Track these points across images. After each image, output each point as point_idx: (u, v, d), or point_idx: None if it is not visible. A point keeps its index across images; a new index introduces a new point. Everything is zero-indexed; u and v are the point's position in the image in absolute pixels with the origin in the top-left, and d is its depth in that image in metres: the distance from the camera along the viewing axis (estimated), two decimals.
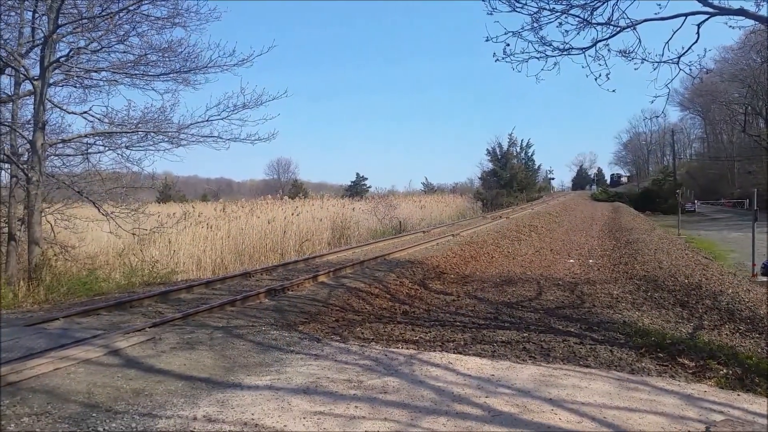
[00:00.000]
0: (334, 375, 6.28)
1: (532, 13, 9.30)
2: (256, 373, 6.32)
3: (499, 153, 59.29)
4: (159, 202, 45.66)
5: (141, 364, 6.57)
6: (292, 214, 25.77)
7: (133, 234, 15.18)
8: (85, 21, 12.65)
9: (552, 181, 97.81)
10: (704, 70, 10.18)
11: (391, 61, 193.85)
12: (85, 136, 14.27)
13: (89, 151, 14.70)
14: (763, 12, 8.76)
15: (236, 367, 6.57)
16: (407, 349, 7.84)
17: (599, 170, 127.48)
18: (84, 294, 12.04)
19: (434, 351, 7.76)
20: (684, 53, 9.30)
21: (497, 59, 9.64)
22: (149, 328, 8.28)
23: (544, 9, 9.24)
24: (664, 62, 9.44)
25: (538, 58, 9.68)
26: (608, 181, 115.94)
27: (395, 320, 10.17)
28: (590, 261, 19.91)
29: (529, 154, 63.92)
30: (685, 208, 53.21)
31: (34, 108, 12.68)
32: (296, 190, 68.31)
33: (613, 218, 41.57)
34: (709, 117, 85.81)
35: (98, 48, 13.50)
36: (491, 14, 9.28)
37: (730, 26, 9.15)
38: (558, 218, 39.33)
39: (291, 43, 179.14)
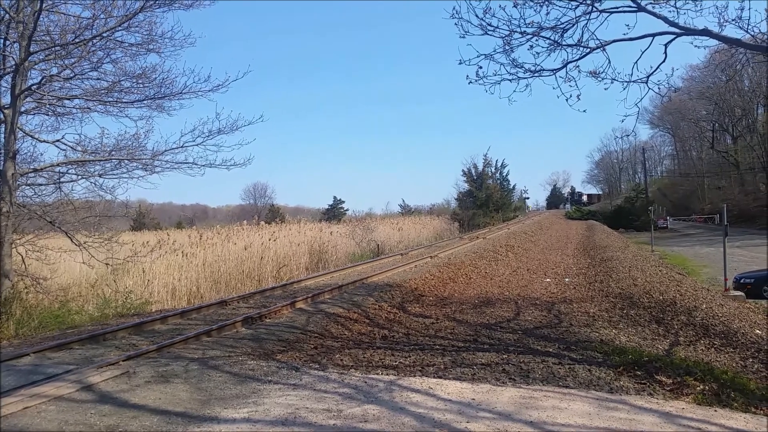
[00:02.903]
0: (313, 405, 6.20)
1: (503, 36, 9.46)
2: (233, 406, 6.21)
3: (474, 173, 59.85)
4: (133, 231, 45.06)
5: (115, 399, 6.42)
6: (269, 240, 25.60)
7: (107, 264, 14.91)
8: (57, 48, 12.54)
9: (527, 200, 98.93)
10: (672, 88, 10.44)
11: (366, 81, 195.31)
12: (58, 165, 14.06)
13: (62, 180, 14.46)
14: (725, 32, 9.04)
15: (212, 400, 6.44)
16: (387, 374, 7.78)
17: (572, 189, 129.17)
18: (56, 327, 11.77)
19: (414, 376, 7.71)
20: (652, 73, 9.54)
21: (470, 81, 9.78)
22: (123, 361, 8.11)
23: (515, 32, 9.42)
24: (634, 82, 9.65)
25: (510, 79, 9.82)
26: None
27: (375, 345, 10.10)
28: (566, 279, 20.07)
29: (504, 174, 64.61)
30: (657, 225, 54.16)
31: (4, 137, 12.48)
32: (273, 214, 68.06)
33: (587, 236, 42.06)
34: (678, 134, 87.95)
35: (71, 75, 13.36)
36: (464, 37, 9.43)
37: (696, 46, 9.43)
38: (534, 237, 39.67)
39: (266, 62, 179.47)
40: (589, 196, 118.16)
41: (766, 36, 9.01)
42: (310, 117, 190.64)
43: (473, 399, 6.47)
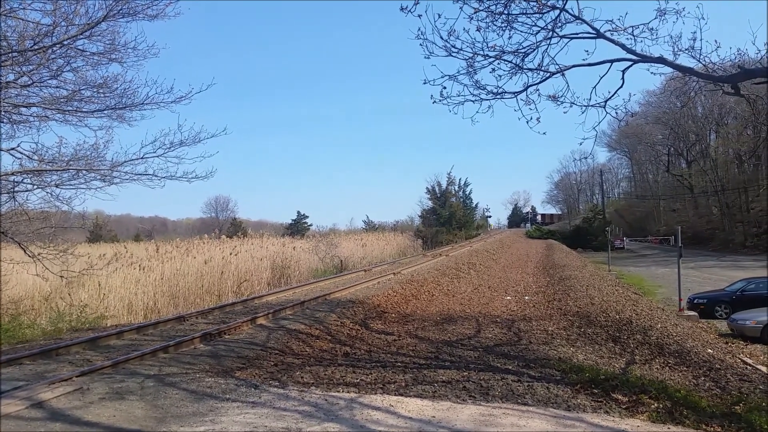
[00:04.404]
0: (271, 423, 6.12)
1: (467, 58, 9.64)
2: (190, 424, 6.08)
3: (438, 191, 60.30)
4: (89, 243, 43.94)
5: (67, 417, 6.22)
6: (231, 254, 25.27)
7: (61, 276, 14.45)
8: (15, 54, 12.22)
9: (489, 218, 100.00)
10: (629, 113, 10.79)
11: (330, 99, 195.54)
12: (12, 173, 13.61)
13: (16, 189, 13.98)
14: (679, 61, 9.39)
15: (168, 418, 6.30)
16: (348, 392, 7.74)
17: (533, 208, 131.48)
18: (6, 342, 11.37)
19: (375, 393, 7.69)
20: (610, 97, 9.85)
21: (434, 101, 9.91)
22: (76, 377, 7.87)
23: (479, 54, 9.60)
24: (592, 106, 9.93)
25: (473, 101, 10.00)
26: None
27: (336, 362, 10.05)
28: (526, 298, 20.34)
29: (467, 193, 65.26)
30: (614, 245, 55.35)
31: None
32: (235, 228, 67.30)
33: (546, 255, 42.73)
34: (635, 157, 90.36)
35: (29, 82, 13.00)
36: (428, 58, 9.57)
37: (652, 73, 9.77)
38: (495, 255, 40.13)
39: (231, 77, 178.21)
40: (542, 215, 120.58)
41: (716, 66, 9.38)
42: (275, 132, 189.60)
43: (433, 417, 6.49)
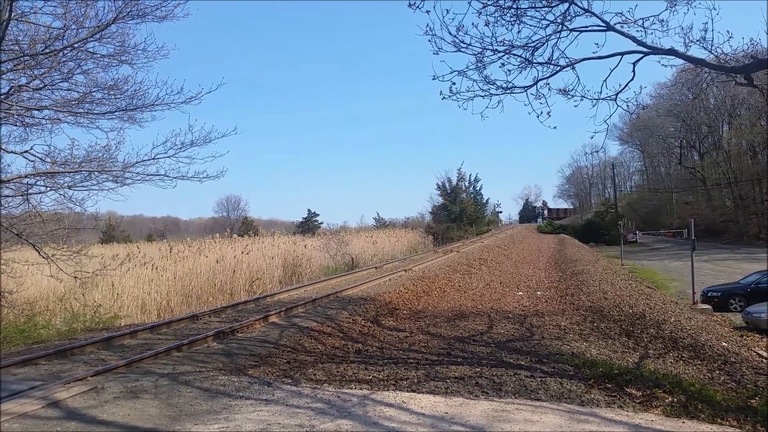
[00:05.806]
0: (285, 420, 6.15)
1: (476, 53, 9.59)
2: (204, 422, 6.12)
3: (448, 187, 60.17)
4: (102, 243, 44.30)
5: (82, 416, 6.28)
6: (242, 253, 25.39)
7: (75, 277, 14.59)
8: (27, 58, 12.32)
9: (500, 214, 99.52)
10: (641, 106, 10.68)
11: (340, 95, 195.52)
12: (26, 176, 13.74)
13: (29, 191, 14.12)
14: (691, 52, 9.30)
15: (183, 416, 6.35)
16: (360, 389, 7.75)
17: (544, 203, 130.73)
18: (21, 342, 11.50)
19: (388, 390, 7.70)
20: (621, 90, 9.76)
21: (444, 97, 9.87)
22: (91, 377, 7.95)
23: (488, 49, 9.55)
24: (603, 99, 9.85)
25: (482, 96, 9.95)
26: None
27: (348, 359, 10.07)
28: (538, 293, 20.26)
29: (478, 189, 65.07)
30: (627, 239, 54.95)
31: None
32: (246, 227, 67.43)
33: (558, 250, 42.52)
34: (647, 150, 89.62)
35: (41, 86, 13.11)
36: (437, 54, 9.54)
37: (663, 65, 9.74)
38: (506, 251, 39.98)
39: (242, 78, 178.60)
40: (549, 210, 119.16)
41: (728, 56, 9.28)
42: (285, 131, 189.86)
43: (446, 413, 6.49)
